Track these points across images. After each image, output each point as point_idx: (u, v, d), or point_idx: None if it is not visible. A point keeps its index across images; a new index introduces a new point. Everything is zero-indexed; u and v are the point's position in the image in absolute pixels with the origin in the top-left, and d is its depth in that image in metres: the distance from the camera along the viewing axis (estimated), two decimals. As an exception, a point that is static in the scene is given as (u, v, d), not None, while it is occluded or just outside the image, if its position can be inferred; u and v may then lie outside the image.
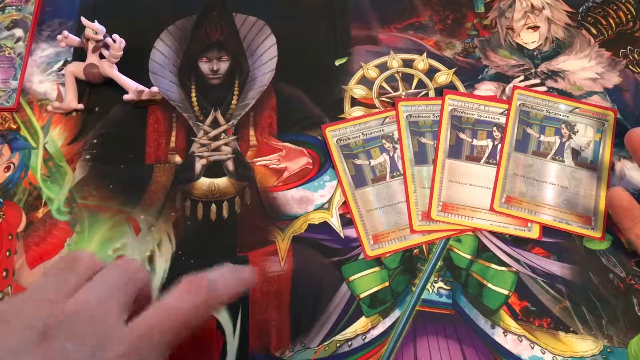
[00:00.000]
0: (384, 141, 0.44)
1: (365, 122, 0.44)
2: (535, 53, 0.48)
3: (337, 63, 0.48)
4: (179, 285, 0.29)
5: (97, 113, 0.46)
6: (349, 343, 0.38)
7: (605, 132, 0.43)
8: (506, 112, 0.44)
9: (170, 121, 0.46)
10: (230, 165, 0.44)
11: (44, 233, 0.42)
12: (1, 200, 0.43)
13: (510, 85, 0.46)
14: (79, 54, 0.48)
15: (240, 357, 0.37)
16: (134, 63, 0.48)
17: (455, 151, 0.43)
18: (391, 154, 0.43)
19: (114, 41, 0.45)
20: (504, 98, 0.45)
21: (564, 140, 0.43)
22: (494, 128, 0.43)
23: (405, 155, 0.43)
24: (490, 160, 0.42)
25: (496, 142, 0.43)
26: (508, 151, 0.42)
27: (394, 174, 0.43)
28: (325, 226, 0.42)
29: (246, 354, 0.37)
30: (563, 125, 0.43)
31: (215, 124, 0.46)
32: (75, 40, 0.47)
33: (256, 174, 0.44)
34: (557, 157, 0.42)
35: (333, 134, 0.44)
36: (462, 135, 0.43)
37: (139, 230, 0.42)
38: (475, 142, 0.43)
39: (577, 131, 0.43)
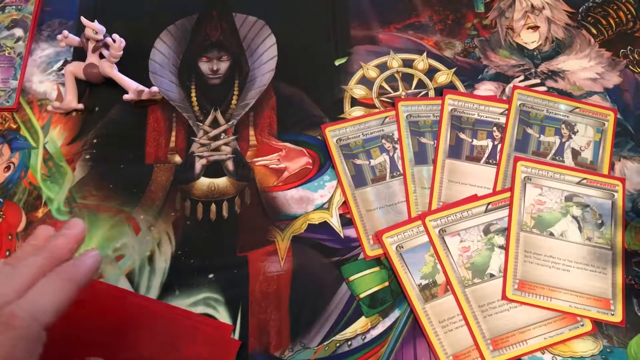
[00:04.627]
0: (383, 141, 0.44)
1: (365, 122, 0.44)
2: (535, 53, 0.48)
3: (337, 63, 0.48)
4: None
5: (97, 113, 0.46)
6: (349, 343, 0.38)
7: (605, 132, 0.43)
8: (506, 112, 0.44)
9: (170, 121, 0.46)
10: (230, 165, 0.44)
11: (43, 233, 0.42)
12: (1, 200, 0.43)
13: (510, 85, 0.46)
14: (79, 53, 0.48)
15: (240, 357, 0.37)
16: (134, 63, 0.48)
17: (455, 151, 0.43)
18: (391, 154, 0.43)
19: (114, 41, 0.45)
20: (504, 98, 0.45)
21: (563, 140, 0.43)
22: (494, 128, 0.43)
23: (405, 155, 0.43)
24: (490, 161, 0.42)
25: (496, 142, 0.43)
26: (508, 152, 0.42)
27: (394, 173, 0.43)
28: (325, 226, 0.42)
29: (246, 354, 0.37)
30: (563, 126, 0.43)
31: (215, 123, 0.46)
32: (75, 40, 0.47)
33: (256, 174, 0.44)
34: (557, 157, 0.42)
35: (333, 133, 0.44)
36: (462, 135, 0.43)
37: (138, 230, 0.42)
38: (475, 142, 0.43)
39: (577, 131, 0.43)
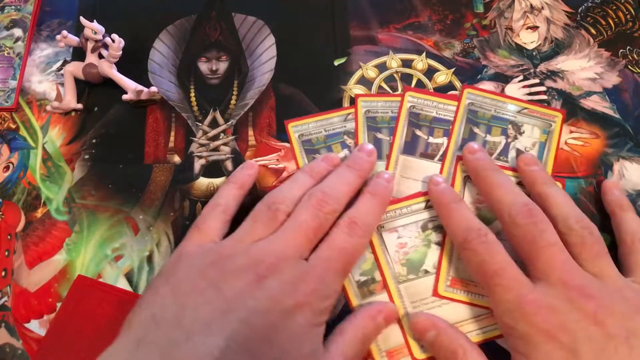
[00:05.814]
0: (345, 137, 0.44)
1: (328, 119, 0.44)
2: (534, 53, 0.48)
3: (336, 63, 0.48)
4: (339, 228, 0.34)
5: (96, 113, 0.46)
6: (348, 343, 0.38)
7: (551, 134, 0.43)
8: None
9: (169, 121, 0.46)
10: (229, 165, 0.44)
11: (42, 233, 0.42)
12: (0, 200, 0.43)
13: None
14: (78, 53, 0.48)
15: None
16: (133, 63, 0.48)
17: (410, 147, 0.43)
18: (352, 149, 0.43)
19: (113, 41, 0.45)
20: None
21: (509, 140, 0.43)
22: (451, 127, 0.43)
23: None
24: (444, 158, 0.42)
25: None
26: (454, 150, 0.42)
27: None
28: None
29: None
30: (510, 126, 0.43)
31: (214, 123, 0.46)
32: (74, 40, 0.47)
33: (255, 174, 0.44)
34: (501, 157, 0.42)
35: (295, 129, 0.44)
36: (418, 133, 0.43)
37: (137, 230, 0.42)
38: (431, 139, 0.43)
39: (524, 132, 0.43)
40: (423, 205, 0.40)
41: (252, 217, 0.35)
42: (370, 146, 0.40)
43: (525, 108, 0.44)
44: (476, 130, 0.43)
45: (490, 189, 0.37)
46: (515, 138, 0.43)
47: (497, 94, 0.45)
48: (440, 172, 0.42)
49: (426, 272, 0.38)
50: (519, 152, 0.42)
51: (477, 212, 0.40)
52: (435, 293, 0.38)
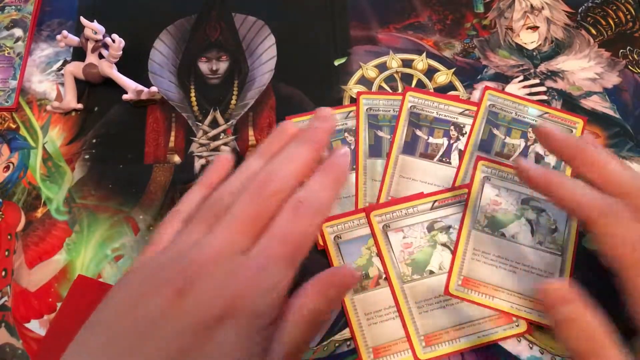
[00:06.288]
0: (346, 134, 0.44)
1: None
2: (534, 53, 0.48)
3: (336, 63, 0.48)
4: (283, 211, 0.28)
5: (96, 113, 0.46)
6: (348, 343, 0.38)
7: None
8: (466, 111, 0.44)
9: (169, 121, 0.46)
10: (229, 165, 0.44)
11: (42, 233, 0.42)
12: (0, 200, 0.43)
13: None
14: (78, 53, 0.48)
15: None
16: (133, 63, 0.48)
17: (409, 147, 0.43)
18: (352, 147, 0.43)
19: (113, 41, 0.45)
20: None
21: (529, 143, 0.43)
22: (452, 127, 0.44)
23: (360, 147, 0.43)
24: (444, 159, 0.43)
25: (452, 141, 0.43)
26: (472, 150, 0.42)
27: (353, 166, 0.43)
28: (324, 226, 0.42)
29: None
30: (530, 129, 0.43)
31: (214, 123, 0.46)
32: (74, 40, 0.47)
33: (255, 174, 0.44)
34: None
35: (297, 125, 0.44)
36: (418, 133, 0.43)
37: (137, 230, 0.42)
38: (431, 139, 0.43)
39: None
40: (429, 206, 0.40)
41: (189, 218, 0.30)
42: (327, 110, 0.33)
43: (547, 112, 0.44)
44: (495, 131, 0.43)
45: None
46: (535, 142, 0.43)
47: (518, 97, 0.45)
48: (457, 172, 0.42)
49: (431, 272, 0.39)
50: (538, 155, 0.42)
51: (491, 214, 0.40)
52: (447, 292, 0.38)
